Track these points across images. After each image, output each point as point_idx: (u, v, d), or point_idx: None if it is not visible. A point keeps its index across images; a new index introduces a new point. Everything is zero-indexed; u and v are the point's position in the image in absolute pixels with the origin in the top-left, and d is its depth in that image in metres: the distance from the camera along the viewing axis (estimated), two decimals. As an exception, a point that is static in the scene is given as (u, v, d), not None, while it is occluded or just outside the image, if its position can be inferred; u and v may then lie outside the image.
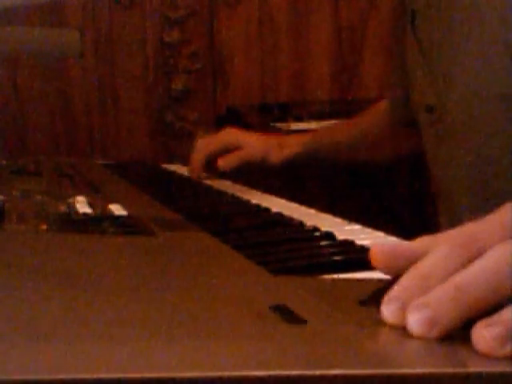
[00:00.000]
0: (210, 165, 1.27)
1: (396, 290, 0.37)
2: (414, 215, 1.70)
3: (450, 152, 1.02)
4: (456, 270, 0.36)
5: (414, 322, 0.35)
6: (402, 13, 1.11)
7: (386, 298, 0.37)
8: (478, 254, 0.36)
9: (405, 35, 1.09)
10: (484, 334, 0.33)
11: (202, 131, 1.48)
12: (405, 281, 0.37)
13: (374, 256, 0.40)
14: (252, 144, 1.26)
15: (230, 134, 1.28)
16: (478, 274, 0.35)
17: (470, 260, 0.36)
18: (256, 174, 1.30)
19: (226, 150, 1.25)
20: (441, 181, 1.06)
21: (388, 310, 0.37)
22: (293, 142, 1.28)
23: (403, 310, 0.36)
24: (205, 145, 1.28)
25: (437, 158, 1.06)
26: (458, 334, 0.35)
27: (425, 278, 0.37)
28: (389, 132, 1.28)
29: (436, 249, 0.38)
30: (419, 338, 0.35)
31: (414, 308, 0.35)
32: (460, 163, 1.00)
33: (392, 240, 0.68)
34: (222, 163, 1.23)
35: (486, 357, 0.32)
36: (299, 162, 1.27)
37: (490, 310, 0.34)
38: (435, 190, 1.09)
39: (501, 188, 0.43)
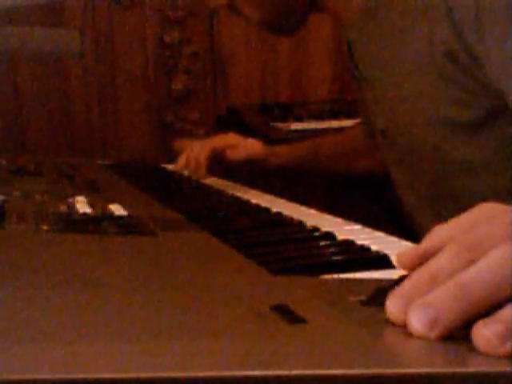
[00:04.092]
0: (210, 166, 1.30)
1: (403, 287, 0.38)
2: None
3: (409, 173, 1.05)
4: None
5: (416, 321, 0.35)
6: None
7: (391, 295, 0.37)
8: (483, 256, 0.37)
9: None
10: (484, 333, 0.33)
11: (201, 132, 1.52)
12: (412, 280, 0.38)
13: (402, 262, 0.42)
14: (253, 144, 1.31)
15: (230, 136, 1.33)
16: (479, 274, 0.35)
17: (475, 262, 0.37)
18: (256, 174, 1.34)
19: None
20: (405, 201, 1.09)
21: (393, 307, 0.37)
22: (283, 151, 1.35)
23: (408, 307, 0.36)
24: (206, 144, 1.31)
25: (398, 179, 1.09)
26: (459, 333, 0.35)
27: (432, 277, 0.37)
28: (362, 150, 1.35)
29: (444, 250, 0.38)
30: (420, 337, 0.35)
31: (416, 307, 0.35)
32: (420, 185, 1.03)
33: (392, 240, 0.68)
34: (232, 154, 1.27)
35: (487, 355, 0.33)
36: (290, 170, 1.35)
37: (490, 310, 0.34)
38: (403, 210, 1.12)
39: (461, 207, 0.43)
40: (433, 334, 0.35)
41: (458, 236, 0.39)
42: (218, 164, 1.30)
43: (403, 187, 1.09)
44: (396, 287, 0.38)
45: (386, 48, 0.99)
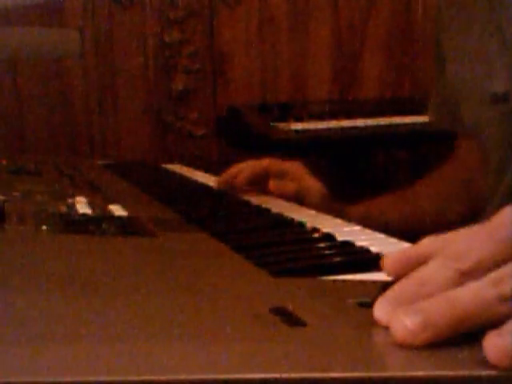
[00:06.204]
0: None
1: (391, 292, 0.38)
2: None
3: None
4: (450, 281, 0.37)
5: (401, 326, 0.35)
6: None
7: (379, 300, 0.38)
8: (470, 269, 0.37)
9: (457, 21, 1.02)
10: (497, 343, 0.32)
11: (201, 132, 1.33)
12: (401, 285, 0.38)
13: (386, 265, 0.42)
14: (313, 186, 1.08)
15: (295, 166, 1.10)
16: (469, 292, 0.36)
17: (464, 273, 0.37)
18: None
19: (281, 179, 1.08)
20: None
21: (381, 311, 0.37)
22: (351, 211, 1.12)
23: (393, 310, 0.36)
24: (260, 163, 1.09)
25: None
26: (458, 337, 0.35)
27: (420, 284, 0.38)
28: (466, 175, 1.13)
29: (433, 259, 0.39)
30: (403, 343, 0.35)
31: (402, 312, 0.35)
32: None
33: (392, 241, 0.68)
34: (275, 186, 1.05)
35: (496, 366, 0.32)
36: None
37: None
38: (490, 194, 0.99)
39: None
40: (420, 338, 0.34)
41: (449, 246, 0.40)
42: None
43: None
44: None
45: None
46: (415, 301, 0.36)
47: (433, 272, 0.38)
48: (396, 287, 0.38)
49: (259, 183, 1.07)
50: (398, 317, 0.35)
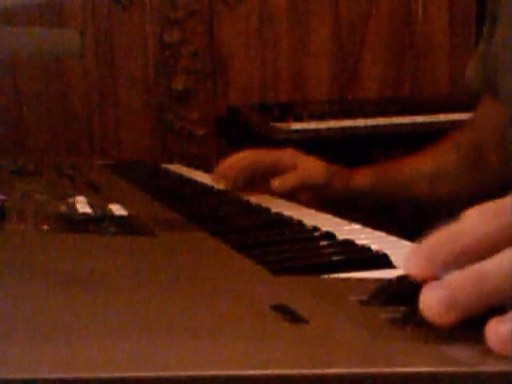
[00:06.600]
0: (251, 182, 1.06)
1: (427, 243, 0.37)
2: (414, 215, 1.70)
3: None
4: (489, 235, 0.36)
5: (432, 300, 0.35)
6: None
7: (413, 250, 0.37)
8: (507, 228, 0.36)
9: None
10: (499, 329, 0.32)
11: (201, 132, 1.33)
12: (438, 237, 0.37)
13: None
14: (312, 166, 1.07)
15: (288, 153, 1.08)
16: (500, 265, 0.35)
17: (504, 228, 0.36)
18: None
19: (278, 170, 1.05)
20: None
21: (413, 264, 0.36)
22: (359, 172, 1.12)
23: (428, 261, 0.36)
24: (253, 154, 1.08)
25: None
26: (459, 333, 0.35)
27: (458, 238, 0.36)
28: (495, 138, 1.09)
29: (469, 214, 0.38)
30: (434, 318, 0.34)
31: (433, 286, 0.35)
32: None
33: (392, 240, 0.68)
34: (277, 183, 1.02)
35: (497, 353, 0.32)
36: (366, 194, 1.10)
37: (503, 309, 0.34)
38: None
39: None
40: (448, 316, 0.34)
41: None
42: (265, 183, 1.05)
43: None
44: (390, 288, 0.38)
45: None
46: (450, 255, 0.36)
47: (472, 225, 0.37)
48: (433, 239, 0.37)
49: (255, 180, 1.05)
50: (426, 294, 0.35)
